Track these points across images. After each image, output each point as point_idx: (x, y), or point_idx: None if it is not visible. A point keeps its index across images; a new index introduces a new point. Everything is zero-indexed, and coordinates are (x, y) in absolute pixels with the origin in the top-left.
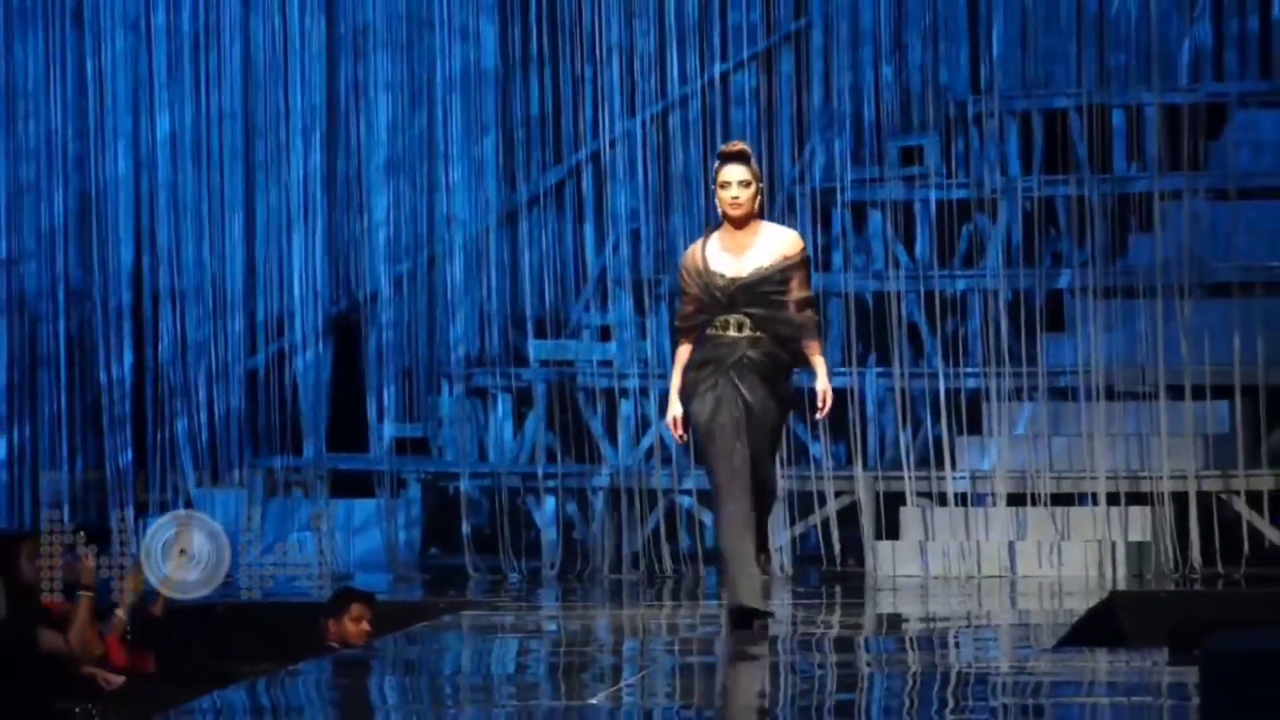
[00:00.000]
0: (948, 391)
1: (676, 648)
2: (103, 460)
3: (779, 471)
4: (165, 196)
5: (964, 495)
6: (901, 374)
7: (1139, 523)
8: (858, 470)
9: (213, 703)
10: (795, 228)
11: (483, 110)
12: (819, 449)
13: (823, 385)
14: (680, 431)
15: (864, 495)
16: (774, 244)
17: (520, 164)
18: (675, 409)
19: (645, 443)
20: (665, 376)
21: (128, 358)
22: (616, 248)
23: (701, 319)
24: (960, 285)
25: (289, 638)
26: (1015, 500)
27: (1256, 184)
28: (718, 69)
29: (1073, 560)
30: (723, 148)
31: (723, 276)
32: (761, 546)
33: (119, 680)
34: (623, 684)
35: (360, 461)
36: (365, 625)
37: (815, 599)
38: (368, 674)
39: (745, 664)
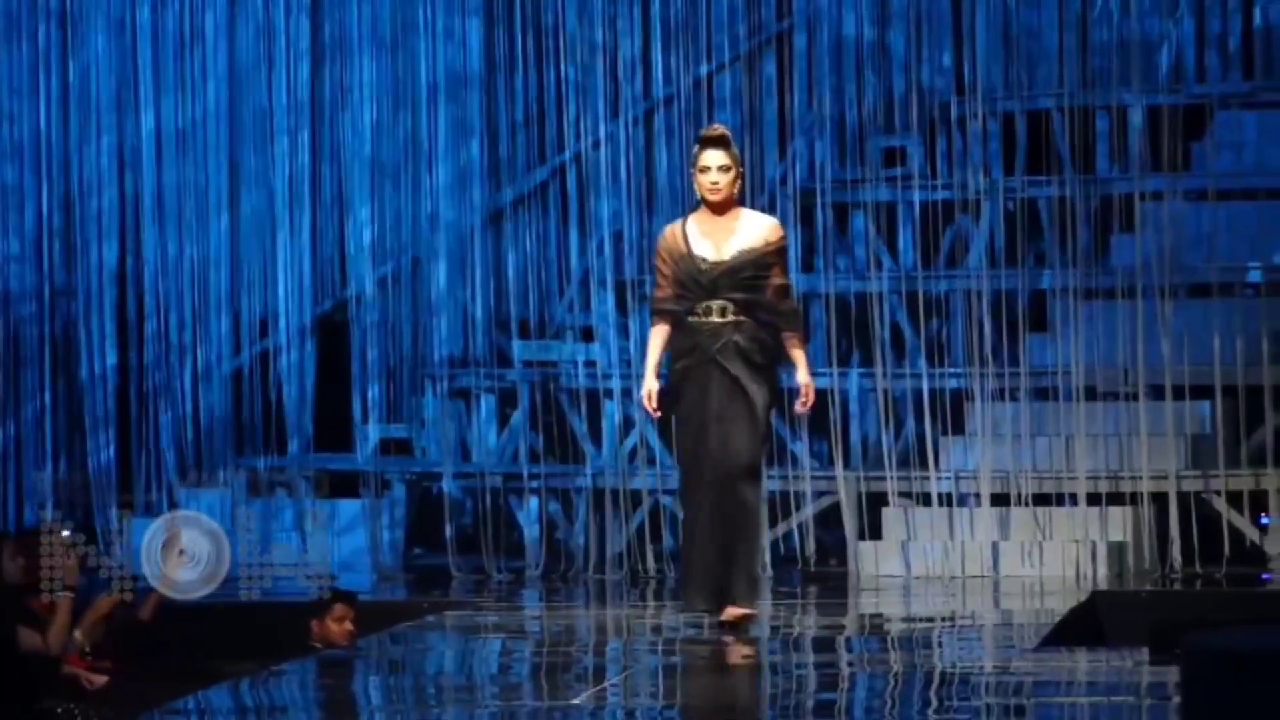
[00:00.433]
0: (930, 391)
1: (659, 648)
2: (86, 460)
3: (763, 472)
4: (150, 196)
5: (947, 495)
6: (884, 374)
7: (1120, 523)
8: (840, 470)
9: (196, 702)
10: None
11: (467, 112)
12: (801, 449)
13: (804, 378)
14: (654, 405)
15: (846, 495)
16: (756, 230)
17: (504, 165)
18: (650, 384)
19: (628, 443)
20: None
21: (111, 357)
22: (600, 249)
23: (682, 304)
24: (943, 286)
25: (273, 637)
26: (998, 500)
27: (1238, 185)
28: (702, 70)
29: (1054, 560)
30: (703, 131)
31: (705, 261)
32: (752, 586)
33: (101, 680)
34: (606, 684)
35: (344, 462)
36: (349, 625)
37: (797, 599)
38: (351, 674)
39: (727, 664)
